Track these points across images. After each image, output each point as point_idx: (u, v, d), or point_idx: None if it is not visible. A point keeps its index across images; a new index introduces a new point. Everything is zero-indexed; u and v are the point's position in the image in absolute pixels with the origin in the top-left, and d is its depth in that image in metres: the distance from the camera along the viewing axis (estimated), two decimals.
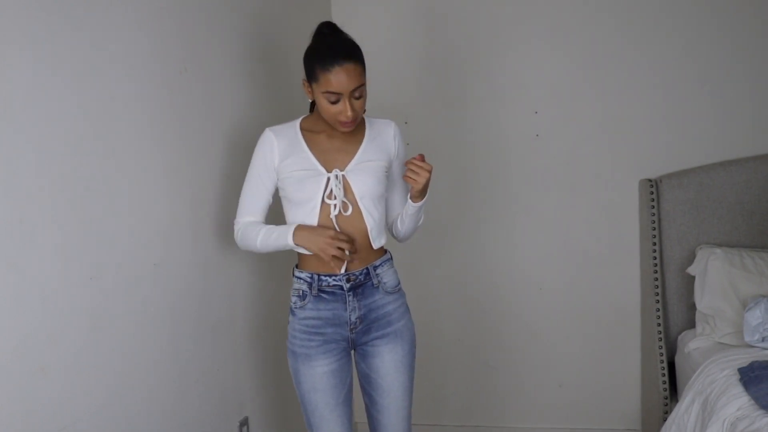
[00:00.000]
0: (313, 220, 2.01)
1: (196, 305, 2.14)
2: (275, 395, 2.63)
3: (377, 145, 2.08)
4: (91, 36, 1.69)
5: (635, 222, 3.09)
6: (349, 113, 1.92)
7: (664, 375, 2.91)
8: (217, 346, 2.25)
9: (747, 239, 2.93)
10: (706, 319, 2.79)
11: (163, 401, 1.97)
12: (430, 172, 1.99)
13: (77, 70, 1.64)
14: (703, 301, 2.79)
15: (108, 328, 1.74)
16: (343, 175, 2.00)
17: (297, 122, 2.09)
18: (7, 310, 1.44)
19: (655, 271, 2.97)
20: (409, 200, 2.08)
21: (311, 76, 1.95)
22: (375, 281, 2.06)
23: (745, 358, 2.44)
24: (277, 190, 2.10)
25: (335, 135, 2.05)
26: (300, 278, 2.05)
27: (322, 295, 2.03)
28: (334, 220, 2.01)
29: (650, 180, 2.99)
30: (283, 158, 2.02)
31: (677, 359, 2.91)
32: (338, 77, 1.89)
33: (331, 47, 1.93)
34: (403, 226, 2.15)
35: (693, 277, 2.88)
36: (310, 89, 1.98)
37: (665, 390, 2.91)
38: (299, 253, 2.08)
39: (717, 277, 2.77)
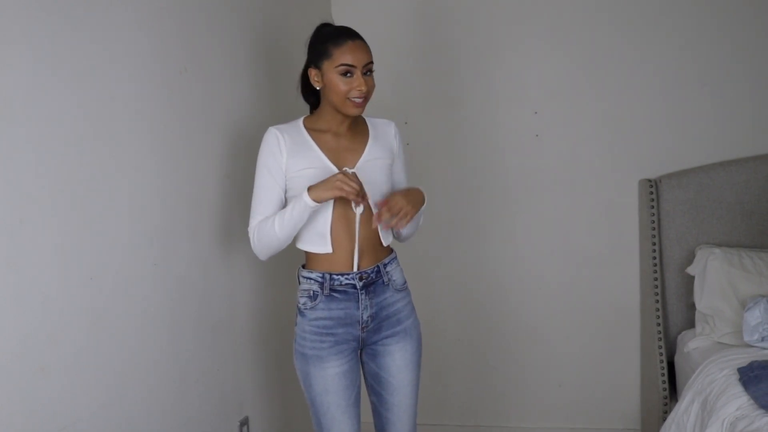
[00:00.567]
0: (327, 219, 2.01)
1: (196, 305, 2.14)
2: (275, 395, 2.63)
3: (381, 144, 2.11)
4: (91, 36, 1.69)
5: (635, 222, 3.09)
6: (363, 88, 1.97)
7: (663, 375, 2.91)
8: (217, 346, 2.25)
9: (746, 239, 2.93)
10: (705, 319, 2.79)
11: (163, 401, 1.97)
12: (406, 208, 1.98)
13: (77, 70, 1.64)
14: (702, 300, 2.79)
15: (108, 328, 1.74)
16: (353, 173, 2.01)
17: (299, 122, 2.09)
18: (7, 310, 1.44)
19: (655, 271, 2.97)
20: None
21: (323, 55, 1.98)
22: (385, 279, 2.08)
23: (744, 357, 2.44)
24: None
25: (341, 134, 2.07)
26: (310, 278, 2.04)
27: (334, 294, 2.03)
28: (357, 216, 2.01)
29: (650, 180, 2.99)
30: (290, 156, 2.01)
31: (677, 359, 2.92)
32: (353, 49, 1.97)
33: (341, 28, 2.04)
34: (404, 228, 2.16)
35: (692, 277, 2.88)
36: (319, 73, 2.00)
37: (665, 390, 2.91)
38: (307, 254, 2.07)
39: (716, 277, 2.77)
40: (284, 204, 2.05)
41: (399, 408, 2.14)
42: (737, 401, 2.17)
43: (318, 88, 2.04)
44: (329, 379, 2.02)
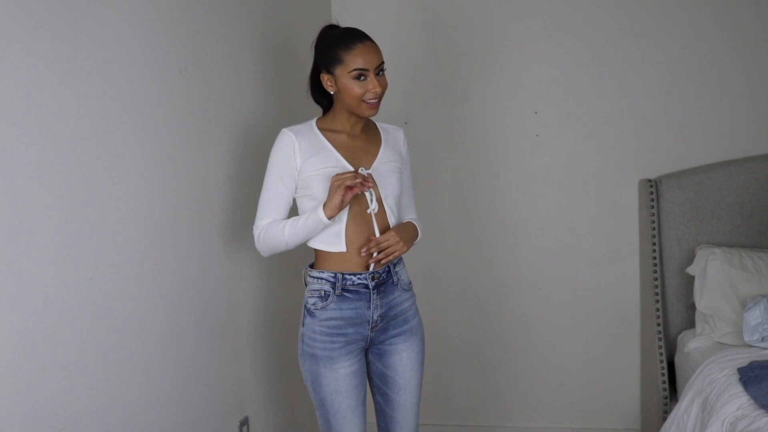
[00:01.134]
0: (342, 217, 2.01)
1: (196, 305, 2.14)
2: (275, 395, 2.63)
3: (392, 148, 2.14)
4: (91, 36, 1.69)
5: (635, 222, 3.09)
6: (378, 89, 1.98)
7: (663, 375, 2.91)
8: (217, 346, 2.25)
9: (746, 239, 2.93)
10: (705, 319, 2.79)
11: (163, 401, 1.97)
12: (396, 246, 2.03)
13: (77, 70, 1.64)
14: (702, 300, 2.79)
15: (108, 328, 1.74)
16: (369, 174, 2.02)
17: (312, 122, 2.09)
18: (7, 310, 1.44)
19: (655, 271, 2.97)
20: None
21: (334, 61, 1.98)
22: (395, 278, 2.10)
23: (744, 357, 2.44)
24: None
25: (356, 135, 2.08)
26: (321, 278, 2.04)
27: (346, 294, 2.03)
28: (373, 214, 2.03)
29: (650, 180, 2.99)
30: (306, 157, 2.01)
31: (677, 359, 2.92)
32: (363, 52, 1.97)
33: (348, 31, 2.02)
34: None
35: (692, 277, 2.88)
36: (332, 78, 2.00)
37: (665, 390, 2.91)
38: (318, 253, 2.07)
39: (716, 277, 2.77)
40: (290, 205, 2.07)
41: (405, 407, 2.15)
42: (737, 401, 2.17)
43: (332, 93, 2.04)
44: (340, 379, 2.03)
